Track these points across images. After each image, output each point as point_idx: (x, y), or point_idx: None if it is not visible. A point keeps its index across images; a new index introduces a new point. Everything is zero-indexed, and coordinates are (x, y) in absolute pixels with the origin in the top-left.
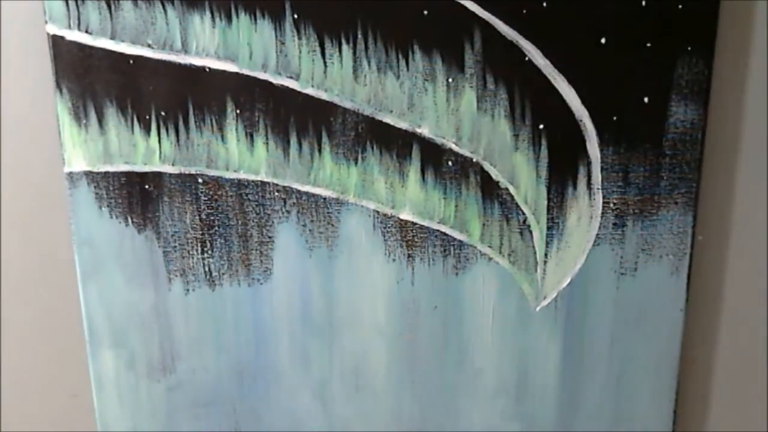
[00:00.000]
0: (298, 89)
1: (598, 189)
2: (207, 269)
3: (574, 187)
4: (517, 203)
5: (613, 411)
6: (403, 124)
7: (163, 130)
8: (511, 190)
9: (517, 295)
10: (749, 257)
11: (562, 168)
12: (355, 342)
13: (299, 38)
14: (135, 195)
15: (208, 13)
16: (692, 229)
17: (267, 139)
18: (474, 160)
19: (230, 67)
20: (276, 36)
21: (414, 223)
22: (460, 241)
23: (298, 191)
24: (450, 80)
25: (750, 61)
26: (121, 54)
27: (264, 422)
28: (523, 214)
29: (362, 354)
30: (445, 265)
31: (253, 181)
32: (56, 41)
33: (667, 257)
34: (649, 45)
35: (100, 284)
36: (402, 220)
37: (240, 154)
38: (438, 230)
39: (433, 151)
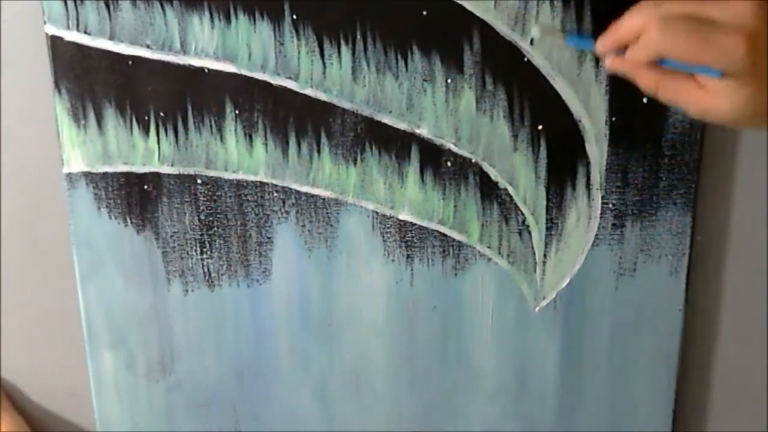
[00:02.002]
0: (297, 90)
1: (597, 189)
2: (206, 270)
3: (573, 187)
4: (516, 204)
5: (612, 411)
6: (402, 125)
7: (161, 131)
8: (510, 190)
9: (516, 295)
10: (748, 258)
11: (561, 168)
12: (354, 342)
13: (298, 39)
14: (134, 196)
15: (207, 13)
16: (691, 230)
17: (266, 139)
18: (473, 160)
19: (229, 68)
20: (275, 36)
21: (413, 224)
22: (459, 241)
23: (297, 192)
24: (449, 81)
25: None
26: (120, 54)
27: (264, 422)
28: (522, 214)
29: (361, 354)
30: (444, 266)
31: (252, 182)
32: (55, 42)
33: (666, 258)
34: None
35: (99, 285)
36: (401, 220)
37: (239, 155)
38: (437, 231)
39: (432, 152)
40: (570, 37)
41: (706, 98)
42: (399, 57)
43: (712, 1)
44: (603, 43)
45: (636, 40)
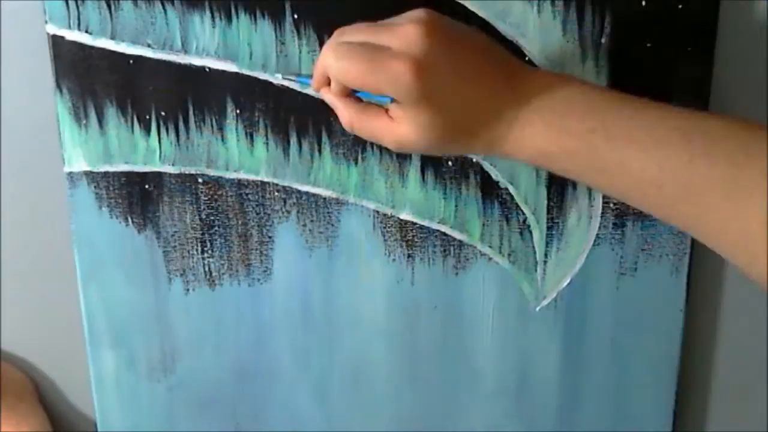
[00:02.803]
0: (299, 89)
1: None
2: (207, 269)
3: (574, 187)
4: (517, 203)
5: (613, 411)
6: None
7: (163, 130)
8: (511, 190)
9: (517, 295)
10: None
11: None
12: (355, 342)
13: (299, 38)
14: (135, 195)
15: (208, 12)
16: None
17: (267, 139)
18: (474, 159)
19: (230, 67)
20: (276, 36)
21: (414, 223)
22: (460, 241)
23: (298, 191)
24: None
25: (750, 61)
26: (121, 54)
27: (264, 422)
28: (523, 214)
29: (362, 354)
30: (445, 265)
31: (253, 181)
32: (56, 41)
33: (666, 257)
34: (649, 45)
35: (100, 284)
36: (402, 220)
37: (240, 154)
38: (438, 230)
39: None
40: (299, 78)
41: (395, 128)
42: None
43: (385, 29)
44: (314, 82)
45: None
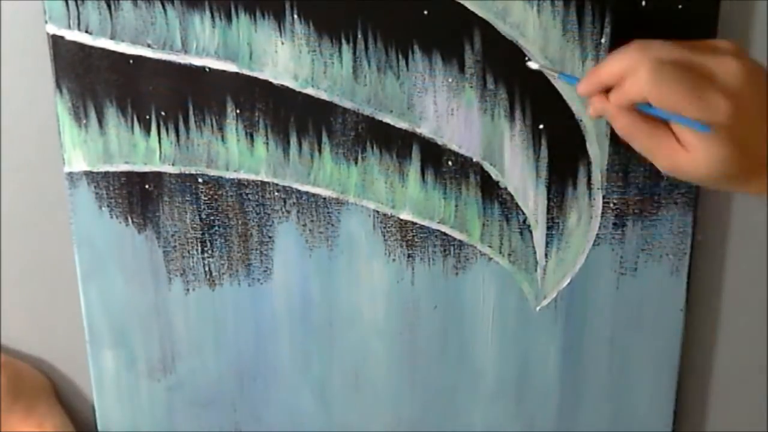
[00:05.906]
0: (298, 89)
1: (599, 189)
2: (207, 269)
3: (574, 187)
4: (517, 203)
5: (613, 411)
6: (403, 124)
7: (163, 130)
8: (511, 190)
9: (517, 295)
10: (749, 257)
11: (562, 168)
12: (354, 342)
13: (299, 38)
14: (135, 195)
15: (208, 12)
16: (692, 229)
17: (267, 139)
18: (474, 160)
19: (230, 67)
20: (276, 36)
21: (414, 223)
22: (460, 241)
23: (298, 191)
24: (450, 80)
25: None
26: (121, 54)
27: (264, 422)
28: (523, 214)
29: (362, 354)
30: (445, 265)
31: (253, 181)
32: (56, 41)
33: (667, 257)
34: None
35: (100, 284)
36: (402, 220)
37: (240, 154)
38: (438, 230)
39: (433, 151)
40: (562, 75)
41: (681, 153)
42: (400, 56)
43: (706, 52)
44: (584, 85)
45: (619, 84)
